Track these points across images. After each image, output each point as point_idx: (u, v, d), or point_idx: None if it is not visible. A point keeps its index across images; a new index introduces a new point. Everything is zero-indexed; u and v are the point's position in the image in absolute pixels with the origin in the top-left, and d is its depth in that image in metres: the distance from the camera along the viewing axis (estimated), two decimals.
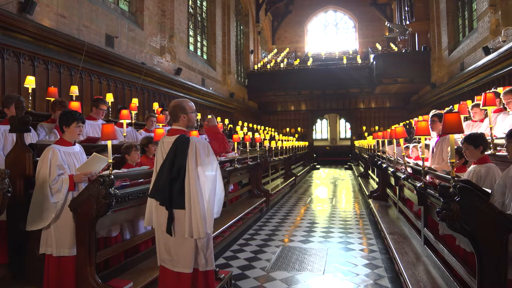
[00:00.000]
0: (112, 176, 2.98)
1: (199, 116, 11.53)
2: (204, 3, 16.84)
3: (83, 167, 3.17)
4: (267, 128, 19.17)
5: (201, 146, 2.87)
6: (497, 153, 3.77)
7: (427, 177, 3.92)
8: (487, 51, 10.84)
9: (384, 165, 7.18)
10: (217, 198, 2.95)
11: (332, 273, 4.33)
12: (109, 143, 3.13)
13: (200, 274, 2.92)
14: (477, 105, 5.31)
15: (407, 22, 18.78)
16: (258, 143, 9.51)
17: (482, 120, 5.21)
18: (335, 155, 24.90)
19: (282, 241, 5.74)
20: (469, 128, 5.13)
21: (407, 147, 6.46)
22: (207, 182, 2.86)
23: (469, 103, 6.24)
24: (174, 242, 2.87)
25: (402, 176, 4.96)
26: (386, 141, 7.79)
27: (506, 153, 2.98)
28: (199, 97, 14.88)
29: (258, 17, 23.47)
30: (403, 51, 20.29)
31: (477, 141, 3.21)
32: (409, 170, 4.99)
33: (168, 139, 2.93)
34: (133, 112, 7.26)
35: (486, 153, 3.34)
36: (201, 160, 2.85)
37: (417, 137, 5.72)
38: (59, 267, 3.04)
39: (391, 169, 6.27)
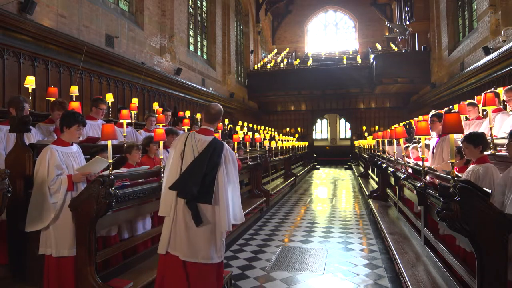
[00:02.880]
0: (112, 176, 2.98)
1: (198, 116, 11.56)
2: (204, 3, 16.84)
3: (84, 167, 3.17)
4: (267, 128, 19.16)
5: (231, 153, 3.17)
6: (497, 153, 3.77)
7: (427, 177, 3.92)
8: (487, 51, 10.84)
9: (384, 165, 7.18)
10: (237, 203, 3.21)
11: (332, 273, 4.33)
12: (109, 143, 3.13)
13: (213, 266, 3.00)
14: (472, 104, 5.32)
15: (407, 22, 18.78)
16: (258, 143, 9.51)
17: (478, 118, 5.21)
18: (335, 155, 24.88)
19: (282, 241, 5.74)
20: (466, 127, 5.12)
21: (407, 147, 6.46)
22: (232, 184, 3.14)
23: None
24: (195, 234, 2.94)
25: (402, 176, 4.97)
26: (386, 141, 7.79)
27: (506, 153, 2.98)
28: (199, 97, 14.88)
29: (258, 17, 23.47)
30: (403, 51, 20.30)
31: (476, 140, 3.21)
32: (409, 170, 4.99)
33: (203, 137, 3.08)
34: (133, 112, 7.26)
35: (486, 153, 3.34)
36: (229, 164, 3.11)
37: (417, 137, 5.73)
38: (59, 267, 3.03)
39: (391, 169, 6.27)
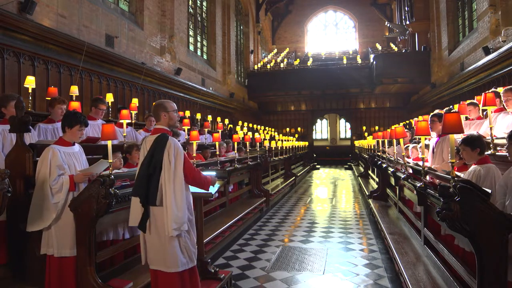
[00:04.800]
0: (112, 176, 2.98)
1: (198, 116, 11.56)
2: (204, 3, 16.84)
3: (88, 169, 3.17)
4: (267, 128, 19.16)
5: (176, 151, 2.89)
6: (497, 153, 3.77)
7: (427, 177, 3.92)
8: (487, 51, 10.84)
9: (384, 165, 7.17)
10: (185, 202, 2.91)
11: (332, 273, 4.33)
12: (109, 143, 3.13)
13: (185, 272, 2.90)
14: (472, 104, 5.31)
15: (407, 22, 18.78)
16: (258, 143, 9.50)
17: (478, 118, 5.21)
18: (335, 155, 24.88)
19: (282, 241, 5.74)
20: (466, 127, 5.11)
21: (407, 147, 6.46)
22: (176, 183, 2.85)
23: None
24: (158, 241, 2.85)
25: (402, 176, 4.96)
26: (386, 141, 7.78)
27: (506, 153, 2.98)
28: (199, 97, 14.88)
29: (258, 17, 23.47)
30: (403, 51, 20.30)
31: (473, 143, 3.20)
32: (409, 170, 4.99)
33: (150, 137, 3.00)
34: (133, 112, 7.26)
35: (486, 153, 3.34)
36: (173, 163, 2.86)
37: (417, 137, 5.73)
38: (61, 267, 3.03)
39: (391, 169, 6.27)
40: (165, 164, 2.84)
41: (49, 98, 5.77)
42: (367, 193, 9.13)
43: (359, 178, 13.09)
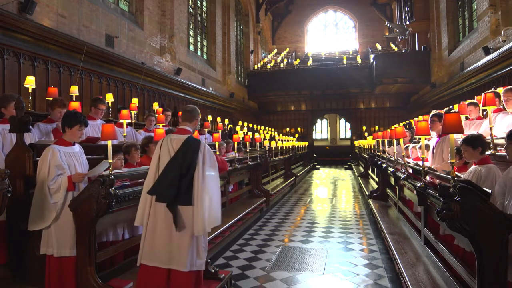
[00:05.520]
0: (112, 176, 2.98)
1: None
2: (204, 3, 16.84)
3: (90, 172, 3.18)
4: (267, 128, 19.16)
5: (209, 152, 3.04)
6: (497, 153, 3.77)
7: (427, 177, 3.92)
8: (487, 51, 10.84)
9: (384, 165, 7.17)
10: (216, 203, 3.00)
11: (332, 273, 4.33)
12: (109, 143, 3.13)
13: (192, 274, 2.90)
14: (473, 103, 5.31)
15: (407, 22, 18.78)
16: (258, 143, 9.50)
17: (478, 118, 5.21)
18: (335, 155, 24.88)
19: (282, 241, 5.74)
20: (466, 127, 5.11)
21: (407, 147, 6.46)
22: (210, 184, 2.96)
23: None
24: (175, 239, 2.86)
25: (402, 176, 4.96)
26: (386, 141, 7.78)
27: (506, 154, 2.97)
28: (199, 97, 14.88)
29: (258, 17, 23.47)
30: (403, 51, 20.30)
31: (475, 142, 3.20)
32: (409, 170, 4.99)
33: (178, 137, 3.03)
34: (133, 112, 7.26)
35: (486, 153, 3.34)
36: (206, 164, 2.98)
37: (417, 137, 5.72)
38: (61, 267, 3.04)
39: (391, 169, 6.27)
40: (200, 166, 2.91)
41: (50, 98, 5.78)
42: (367, 193, 9.13)
43: (359, 178, 13.09)
